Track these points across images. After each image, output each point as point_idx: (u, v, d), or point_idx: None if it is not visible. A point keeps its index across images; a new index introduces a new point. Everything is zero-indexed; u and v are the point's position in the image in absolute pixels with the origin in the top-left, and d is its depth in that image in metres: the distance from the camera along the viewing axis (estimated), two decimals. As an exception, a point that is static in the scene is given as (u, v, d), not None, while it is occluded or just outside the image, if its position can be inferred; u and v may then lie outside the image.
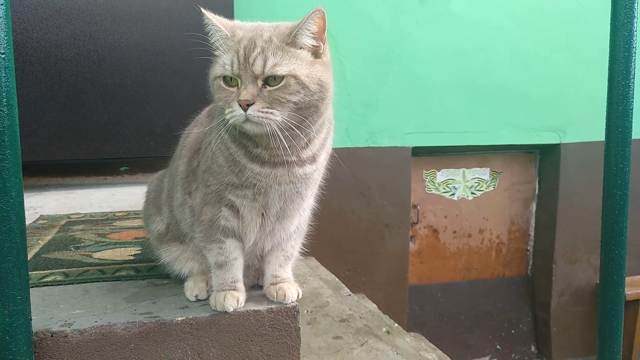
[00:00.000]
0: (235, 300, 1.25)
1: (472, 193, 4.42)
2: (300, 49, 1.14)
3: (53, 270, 1.54)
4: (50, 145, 2.99)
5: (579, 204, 4.26)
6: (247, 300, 1.29)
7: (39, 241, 1.90)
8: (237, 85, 1.12)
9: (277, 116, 1.10)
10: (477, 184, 4.43)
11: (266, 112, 1.09)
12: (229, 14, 3.06)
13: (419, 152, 4.03)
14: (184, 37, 3.04)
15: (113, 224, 2.18)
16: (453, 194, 4.38)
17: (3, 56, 0.95)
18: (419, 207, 4.28)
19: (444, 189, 4.36)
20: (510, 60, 4.01)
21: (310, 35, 1.13)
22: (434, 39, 3.85)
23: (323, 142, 1.26)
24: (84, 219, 2.30)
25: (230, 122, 1.12)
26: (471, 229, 4.44)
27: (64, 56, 2.92)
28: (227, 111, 1.12)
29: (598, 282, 4.26)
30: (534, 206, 4.55)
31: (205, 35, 1.18)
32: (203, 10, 1.16)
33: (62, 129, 2.99)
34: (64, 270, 1.53)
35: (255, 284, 1.42)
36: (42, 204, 2.71)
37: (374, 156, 3.81)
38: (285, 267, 1.35)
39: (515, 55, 4.01)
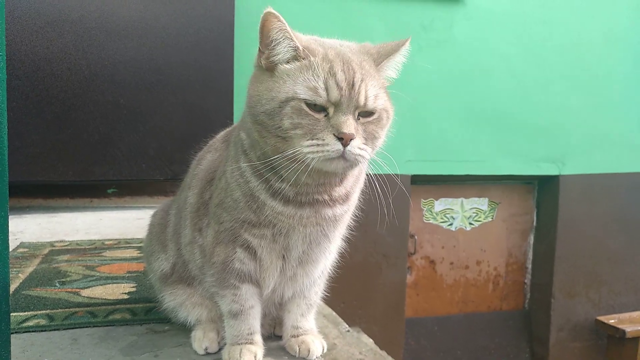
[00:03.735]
0: (253, 355, 1.08)
1: (470, 223, 4.31)
2: (383, 79, 1.02)
3: (35, 312, 1.34)
4: (34, 165, 2.79)
5: (578, 237, 4.18)
6: (265, 354, 1.12)
7: (19, 274, 1.70)
8: (324, 112, 0.94)
9: (369, 154, 0.97)
10: (475, 214, 4.33)
11: (362, 149, 0.95)
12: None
13: (417, 180, 3.92)
14: (183, 55, 2.92)
15: (102, 254, 1.99)
16: (451, 224, 4.27)
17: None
18: (416, 237, 4.15)
19: (442, 218, 4.25)
20: (511, 89, 3.96)
21: (396, 68, 1.04)
22: (436, 65, 3.78)
23: (357, 177, 1.11)
24: (69, 247, 2.11)
25: (309, 157, 0.92)
26: (468, 260, 4.32)
27: (54, 71, 2.75)
28: (308, 143, 0.92)
29: (597, 317, 4.15)
30: (531, 238, 4.46)
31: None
32: (270, 10, 0.94)
33: (47, 148, 2.80)
34: (48, 311, 1.34)
35: (271, 334, 1.25)
36: (22, 229, 2.50)
37: (372, 184, 3.68)
38: (307, 317, 1.18)
39: (515, 84, 3.96)
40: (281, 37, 0.95)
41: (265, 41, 0.97)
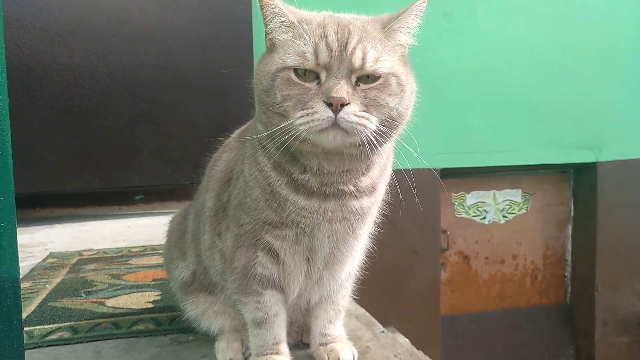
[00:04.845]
0: (279, 366, 1.02)
1: (504, 216, 4.19)
2: (396, 45, 0.93)
3: (60, 324, 1.32)
4: (62, 175, 2.81)
5: (620, 226, 4.00)
6: (292, 364, 1.06)
7: (47, 285, 1.69)
8: (317, 80, 0.87)
9: (373, 124, 0.86)
10: (508, 206, 4.20)
11: (362, 117, 0.85)
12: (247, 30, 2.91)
13: (447, 174, 3.82)
14: (201, 57, 2.89)
15: (128, 262, 1.98)
16: (484, 218, 4.15)
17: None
18: (448, 233, 4.04)
19: (475, 212, 4.13)
20: (540, 74, 3.82)
21: (408, 31, 0.94)
22: (459, 54, 3.67)
23: (384, 167, 1.03)
24: (96, 256, 2.10)
25: (302, 129, 0.85)
26: (504, 254, 4.19)
27: (76, 79, 2.76)
28: (299, 114, 0.86)
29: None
30: (569, 229, 4.30)
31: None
32: None
33: (73, 157, 2.81)
34: (72, 323, 1.32)
35: (299, 341, 1.19)
36: (52, 239, 2.52)
37: (400, 179, 3.60)
38: (335, 323, 1.12)
39: (545, 70, 3.81)
40: (272, 14, 0.92)
41: (264, 20, 0.94)
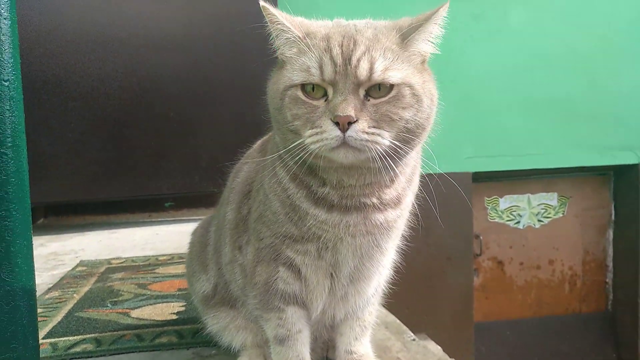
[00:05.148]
0: (302, 385, 0.98)
1: (539, 220, 4.07)
2: (413, 54, 0.87)
3: (84, 336, 1.32)
4: (94, 183, 2.86)
5: (665, 231, 3.82)
6: (316, 383, 1.02)
7: (74, 295, 1.70)
8: (325, 96, 0.84)
9: (386, 139, 0.81)
10: (544, 210, 4.07)
11: (372, 134, 0.80)
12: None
13: (479, 178, 3.73)
14: (229, 64, 2.89)
15: (155, 270, 1.98)
16: (518, 222, 4.04)
17: (6, 84, 0.73)
18: (481, 238, 3.94)
19: (508, 216, 4.03)
20: (576, 74, 3.70)
21: (431, 40, 0.87)
22: (491, 56, 3.59)
23: (410, 179, 0.97)
24: (124, 264, 2.12)
25: (312, 148, 0.82)
26: (540, 260, 4.07)
27: (107, 90, 2.81)
28: (308, 133, 0.82)
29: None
30: (610, 234, 4.14)
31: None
32: (263, 3, 0.87)
33: (105, 166, 2.86)
34: (96, 335, 1.32)
35: (324, 357, 1.15)
36: (84, 247, 2.56)
37: (431, 183, 3.52)
38: (361, 340, 1.07)
39: (581, 69, 3.69)
40: (277, 31, 0.88)
41: (273, 37, 0.90)
